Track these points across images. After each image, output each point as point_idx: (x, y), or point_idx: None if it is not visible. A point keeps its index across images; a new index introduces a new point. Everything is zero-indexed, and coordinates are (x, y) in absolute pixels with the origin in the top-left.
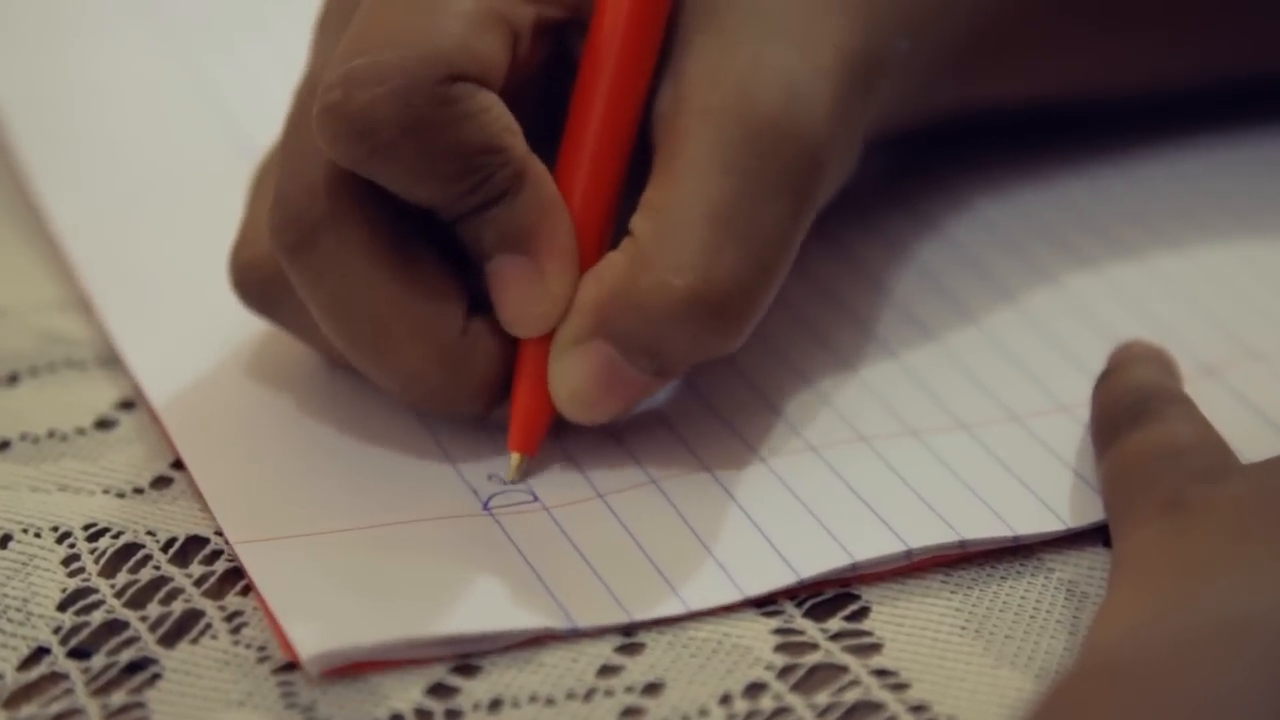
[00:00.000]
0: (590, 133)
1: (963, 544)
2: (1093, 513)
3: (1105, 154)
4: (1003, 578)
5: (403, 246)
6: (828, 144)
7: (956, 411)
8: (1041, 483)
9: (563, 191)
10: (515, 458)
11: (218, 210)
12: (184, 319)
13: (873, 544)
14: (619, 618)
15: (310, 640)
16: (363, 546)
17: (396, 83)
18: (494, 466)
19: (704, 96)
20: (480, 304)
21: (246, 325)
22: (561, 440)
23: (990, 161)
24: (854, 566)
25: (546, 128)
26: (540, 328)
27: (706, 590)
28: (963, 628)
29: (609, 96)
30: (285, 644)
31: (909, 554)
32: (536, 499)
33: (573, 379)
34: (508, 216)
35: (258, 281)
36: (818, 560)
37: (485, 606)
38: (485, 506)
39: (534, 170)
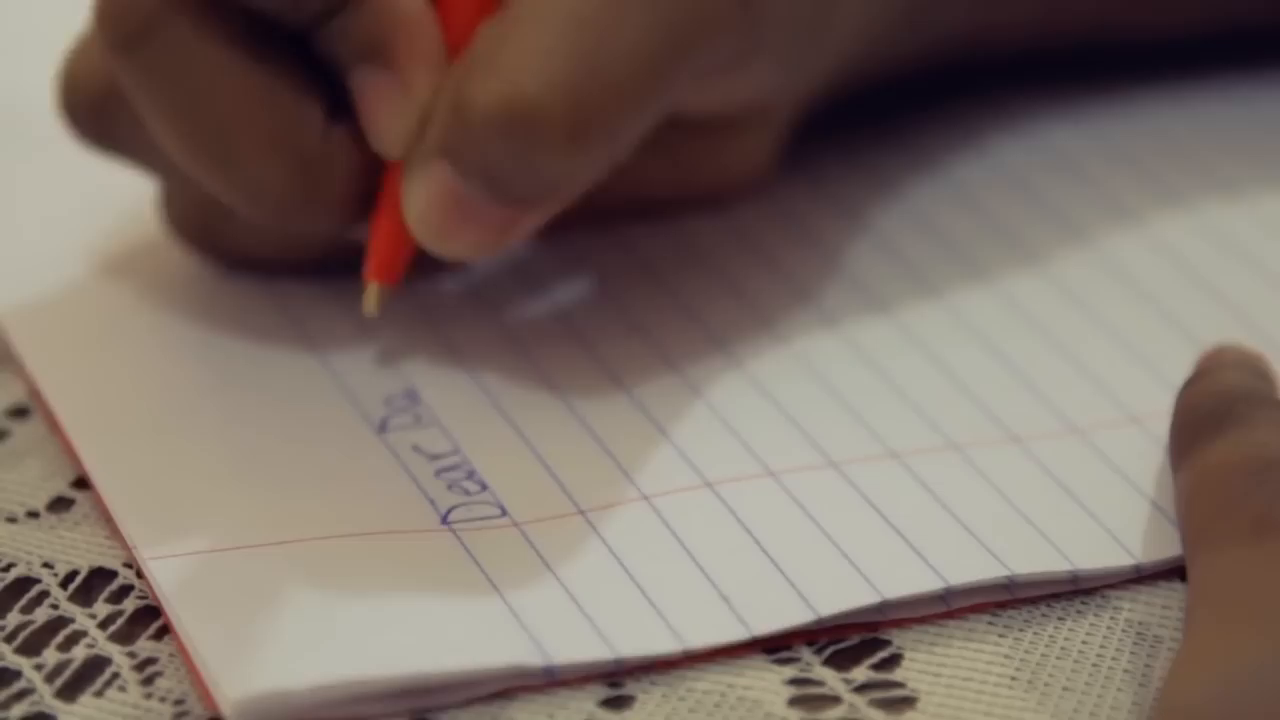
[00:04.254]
0: None
1: (1011, 582)
2: (1170, 547)
3: (1153, 99)
4: (1060, 618)
5: (253, 42)
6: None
7: (1007, 421)
8: (1108, 509)
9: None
10: (372, 288)
11: (119, 189)
12: (87, 310)
13: (904, 580)
14: (602, 654)
15: (235, 683)
16: (299, 567)
17: None
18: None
19: None
20: (343, 111)
21: (160, 315)
22: (535, 445)
23: (1017, 107)
24: (882, 606)
25: None
26: (406, 146)
27: (707, 626)
28: (1013, 678)
29: None
30: (206, 694)
31: (947, 592)
32: (505, 513)
33: (418, 201)
34: (356, 26)
35: (88, 99)
36: (839, 596)
37: (444, 641)
38: (444, 520)
39: None
